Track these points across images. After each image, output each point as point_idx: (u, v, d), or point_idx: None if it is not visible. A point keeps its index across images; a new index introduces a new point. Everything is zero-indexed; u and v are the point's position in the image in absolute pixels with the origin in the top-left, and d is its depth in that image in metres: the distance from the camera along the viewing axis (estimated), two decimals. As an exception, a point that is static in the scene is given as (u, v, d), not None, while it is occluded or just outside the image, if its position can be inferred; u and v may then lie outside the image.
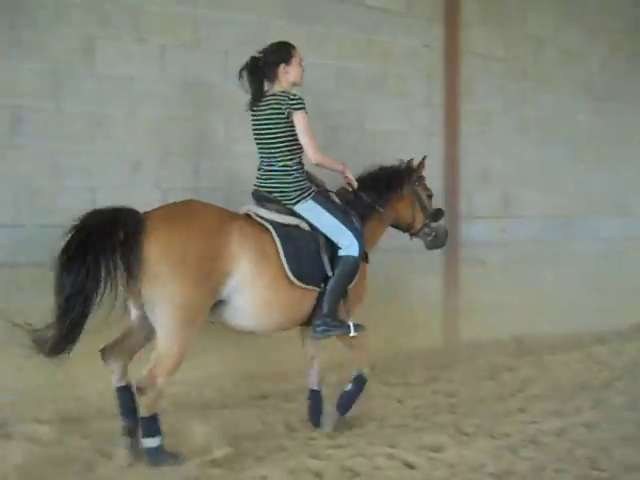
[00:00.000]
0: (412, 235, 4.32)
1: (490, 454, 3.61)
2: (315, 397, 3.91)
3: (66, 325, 2.91)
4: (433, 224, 4.28)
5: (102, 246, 2.95)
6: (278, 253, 3.42)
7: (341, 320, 3.66)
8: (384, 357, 5.03)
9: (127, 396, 3.28)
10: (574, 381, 5.00)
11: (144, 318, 3.22)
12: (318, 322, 3.60)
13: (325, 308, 3.60)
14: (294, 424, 3.97)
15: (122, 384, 3.30)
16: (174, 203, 3.42)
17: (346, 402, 3.85)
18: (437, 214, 4.28)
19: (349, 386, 3.86)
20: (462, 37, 5.80)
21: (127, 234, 3.02)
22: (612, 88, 6.85)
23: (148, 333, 3.28)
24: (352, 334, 3.64)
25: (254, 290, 3.33)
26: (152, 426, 3.12)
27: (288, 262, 3.43)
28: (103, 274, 2.94)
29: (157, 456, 3.11)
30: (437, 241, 4.34)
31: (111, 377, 3.31)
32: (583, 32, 6.65)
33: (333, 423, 3.80)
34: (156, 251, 3.04)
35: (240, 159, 4.52)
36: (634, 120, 7.00)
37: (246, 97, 3.68)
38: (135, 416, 3.21)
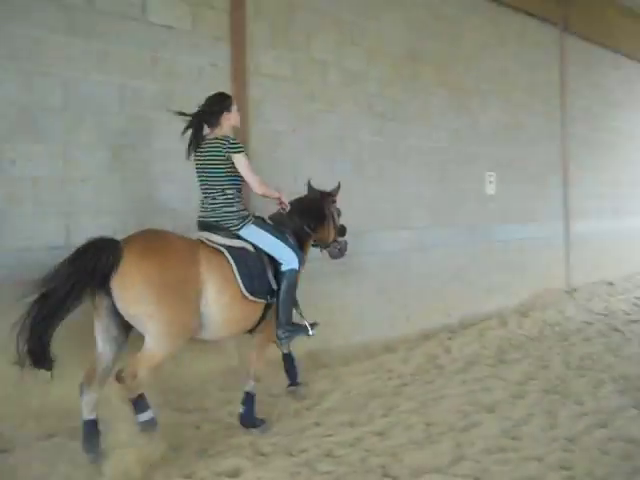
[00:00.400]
0: (323, 248, 5.16)
1: (288, 472, 3.64)
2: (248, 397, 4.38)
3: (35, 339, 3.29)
4: (340, 238, 5.18)
5: (88, 277, 3.44)
6: (233, 273, 3.98)
7: (297, 324, 4.38)
8: (178, 383, 4.90)
9: (94, 429, 3.67)
10: (366, 390, 5.21)
11: (110, 344, 3.68)
12: (280, 332, 4.29)
13: (282, 318, 4.26)
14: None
15: (91, 417, 3.67)
16: (147, 232, 3.86)
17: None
18: (343, 230, 5.22)
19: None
20: (250, 57, 5.85)
21: (111, 266, 3.51)
22: (391, 108, 7.29)
23: (114, 358, 3.71)
24: (310, 333, 4.40)
25: (218, 307, 3.88)
26: (141, 404, 3.64)
27: (242, 280, 3.99)
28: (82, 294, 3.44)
29: (152, 425, 3.64)
30: (341, 252, 5.21)
31: (82, 410, 3.65)
32: (363, 55, 7.02)
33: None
34: (141, 279, 3.53)
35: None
36: (412, 139, 7.52)
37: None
38: (98, 446, 3.62)
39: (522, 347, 6.65)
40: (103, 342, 3.69)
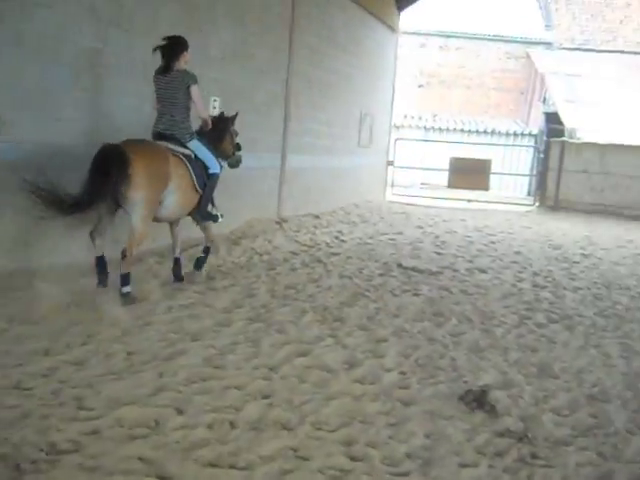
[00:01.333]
0: (224, 160, 6.57)
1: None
2: (177, 262, 6.26)
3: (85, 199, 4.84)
4: (237, 152, 6.75)
5: (109, 171, 4.93)
6: (189, 172, 5.74)
7: (211, 213, 6.27)
8: None
9: (102, 263, 5.40)
10: (65, 319, 4.84)
11: (110, 214, 5.34)
12: (200, 215, 6.17)
13: (203, 206, 6.07)
14: None
15: (99, 254, 5.37)
16: (140, 141, 5.44)
17: (201, 264, 6.45)
18: (239, 146, 6.76)
19: (202, 254, 6.49)
20: None
21: (120, 165, 4.99)
22: (117, 14, 6.68)
23: (111, 221, 5.40)
24: (219, 220, 6.33)
25: (177, 195, 5.61)
26: (127, 279, 5.30)
27: (195, 178, 5.80)
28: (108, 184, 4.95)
29: (129, 298, 5.27)
30: (237, 163, 6.84)
31: (96, 250, 5.36)
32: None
33: (196, 278, 6.29)
34: (138, 173, 5.10)
35: None
36: (138, 51, 6.99)
37: None
38: (106, 274, 5.44)
39: (231, 275, 6.78)
40: (105, 214, 5.28)
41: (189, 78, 5.67)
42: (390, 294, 6.52)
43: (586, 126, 18.56)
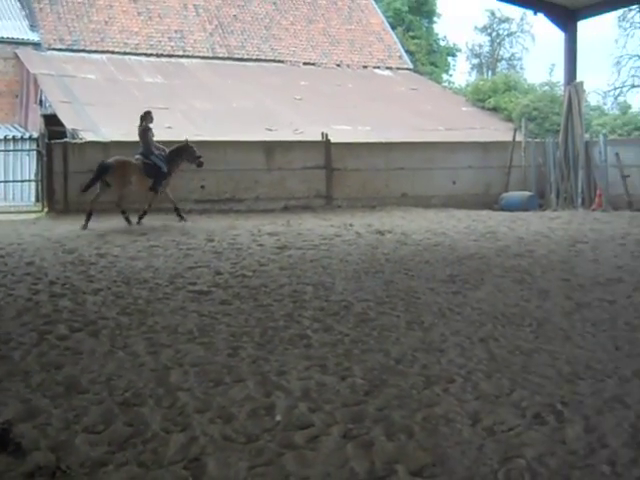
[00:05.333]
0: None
1: None
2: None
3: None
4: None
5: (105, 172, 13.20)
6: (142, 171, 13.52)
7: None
8: None
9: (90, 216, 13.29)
10: None
11: (104, 193, 13.47)
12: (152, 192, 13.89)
13: (155, 188, 13.76)
14: None
15: (91, 210, 13.28)
16: (121, 158, 13.47)
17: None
18: (200, 163, 14.13)
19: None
20: None
21: (111, 170, 13.21)
22: None
23: (100, 195, 13.51)
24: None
25: (136, 180, 13.50)
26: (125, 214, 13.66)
27: (147, 174, 13.53)
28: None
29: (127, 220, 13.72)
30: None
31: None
32: None
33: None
34: (117, 175, 13.23)
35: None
36: None
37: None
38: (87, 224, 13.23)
39: None
40: (100, 191, 13.38)
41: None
42: None
43: (87, 126, 18.50)
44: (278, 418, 3.79)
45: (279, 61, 28.30)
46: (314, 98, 23.96)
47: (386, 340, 5.32)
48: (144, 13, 27.47)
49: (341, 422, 3.73)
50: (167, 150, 13.74)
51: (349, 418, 3.78)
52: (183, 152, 13.82)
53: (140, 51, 26.16)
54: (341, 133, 19.37)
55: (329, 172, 17.42)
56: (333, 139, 17.88)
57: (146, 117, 13.68)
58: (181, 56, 26.76)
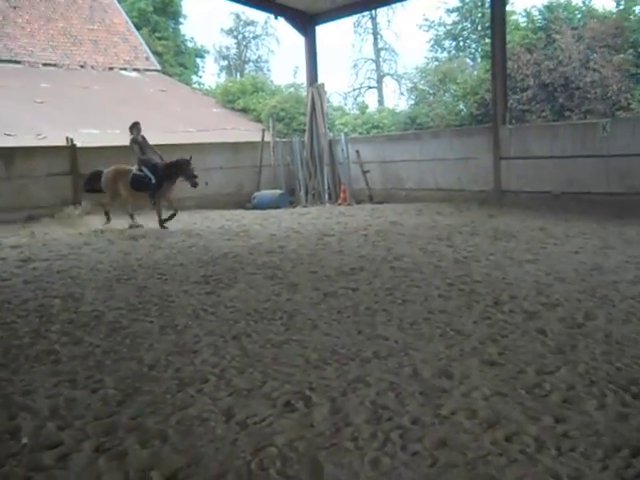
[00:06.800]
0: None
1: None
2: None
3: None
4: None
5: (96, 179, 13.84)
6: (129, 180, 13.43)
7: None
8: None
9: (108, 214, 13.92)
10: None
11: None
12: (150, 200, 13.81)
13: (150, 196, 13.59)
14: None
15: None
16: (115, 166, 13.69)
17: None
18: (194, 183, 13.56)
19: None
20: None
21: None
22: None
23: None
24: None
25: (121, 187, 13.47)
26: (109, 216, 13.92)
27: (132, 184, 13.35)
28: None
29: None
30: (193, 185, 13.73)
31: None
32: None
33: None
34: (108, 182, 13.59)
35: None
36: None
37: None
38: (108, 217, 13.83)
39: None
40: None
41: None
42: None
43: None
44: (25, 441, 3.57)
45: (16, 62, 26.14)
46: (57, 101, 22.52)
47: (139, 347, 5.23)
48: None
49: (93, 436, 3.62)
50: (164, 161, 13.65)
51: (101, 431, 3.68)
52: (180, 168, 13.33)
53: None
54: (89, 137, 18.52)
55: (76, 178, 16.53)
56: (80, 144, 17.03)
57: (133, 128, 13.40)
58: None
